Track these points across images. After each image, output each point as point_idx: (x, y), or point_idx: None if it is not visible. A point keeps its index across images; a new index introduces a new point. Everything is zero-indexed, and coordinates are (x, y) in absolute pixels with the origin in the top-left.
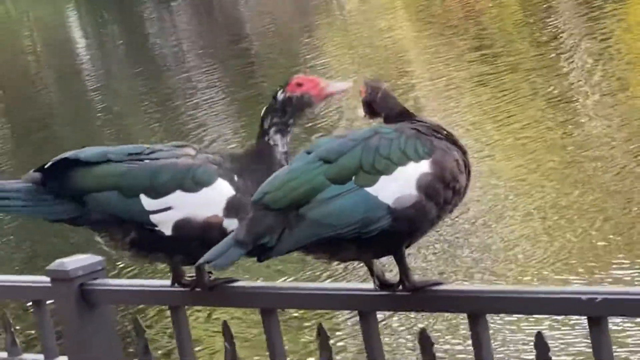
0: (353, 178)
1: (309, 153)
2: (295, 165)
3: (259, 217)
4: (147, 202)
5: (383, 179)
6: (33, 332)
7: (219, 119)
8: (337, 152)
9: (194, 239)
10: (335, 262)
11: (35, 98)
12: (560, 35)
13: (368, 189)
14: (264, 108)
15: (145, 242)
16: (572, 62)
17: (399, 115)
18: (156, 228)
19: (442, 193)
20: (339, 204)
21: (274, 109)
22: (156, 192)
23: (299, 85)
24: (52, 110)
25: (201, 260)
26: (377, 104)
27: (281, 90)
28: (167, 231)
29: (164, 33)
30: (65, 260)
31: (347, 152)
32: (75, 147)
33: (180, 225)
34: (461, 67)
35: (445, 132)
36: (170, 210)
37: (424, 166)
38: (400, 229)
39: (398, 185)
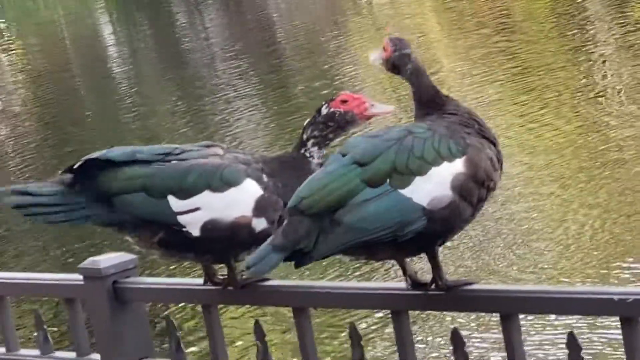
0: (388, 180)
1: (343, 155)
2: (330, 169)
3: (295, 222)
4: (175, 203)
5: (417, 180)
6: (60, 329)
7: (247, 118)
8: (372, 155)
9: (222, 239)
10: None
11: (63, 95)
12: (591, 27)
13: (402, 191)
14: (307, 120)
15: (173, 242)
16: (603, 55)
17: (431, 100)
18: (184, 229)
19: (477, 192)
20: (374, 207)
21: (316, 122)
22: (184, 193)
23: (344, 102)
24: (79, 107)
25: (242, 266)
26: (399, 60)
27: (326, 105)
28: (195, 232)
29: (193, 30)
30: (97, 258)
31: (381, 154)
32: (102, 145)
33: (208, 226)
34: (490, 62)
35: (477, 125)
36: (198, 211)
37: (458, 166)
38: (435, 230)
39: (432, 186)
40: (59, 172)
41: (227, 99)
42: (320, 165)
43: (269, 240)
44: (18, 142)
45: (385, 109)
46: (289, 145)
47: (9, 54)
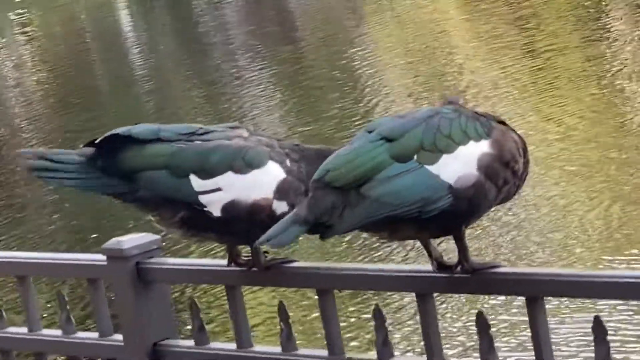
0: (415, 156)
1: (370, 132)
2: (357, 144)
3: (320, 195)
4: (197, 182)
5: (444, 157)
6: (78, 310)
7: (265, 104)
8: (400, 131)
9: (243, 220)
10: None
11: (82, 78)
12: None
13: (430, 168)
14: None
15: (194, 222)
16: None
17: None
18: (205, 209)
19: (502, 173)
20: (401, 182)
21: None
22: (206, 173)
23: None
24: (98, 92)
25: (260, 239)
26: None
27: None
28: (216, 212)
29: (212, 18)
30: (121, 238)
31: (409, 131)
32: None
33: (229, 207)
34: (513, 55)
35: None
36: (220, 192)
37: (484, 146)
38: (461, 209)
39: (459, 165)
40: (81, 145)
41: (244, 85)
42: None
43: (290, 213)
44: (34, 126)
45: None
46: (306, 132)
47: (28, 38)
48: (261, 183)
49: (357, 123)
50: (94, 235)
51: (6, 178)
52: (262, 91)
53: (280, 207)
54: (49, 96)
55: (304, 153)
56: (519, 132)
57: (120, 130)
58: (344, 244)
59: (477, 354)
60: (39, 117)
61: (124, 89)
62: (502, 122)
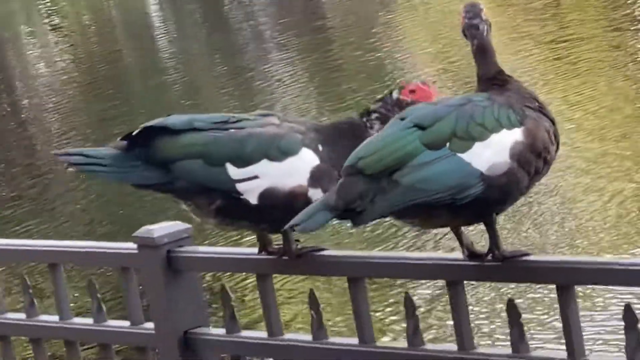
0: (447, 144)
1: (402, 119)
2: (389, 131)
3: (351, 181)
4: (233, 170)
5: (477, 145)
6: (108, 298)
7: (294, 92)
8: (432, 118)
9: (279, 207)
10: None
11: (111, 70)
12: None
13: (462, 155)
14: (380, 96)
15: (230, 210)
16: None
17: (493, 78)
18: (242, 197)
19: (534, 162)
20: (433, 169)
21: (385, 101)
22: (242, 161)
23: (412, 92)
24: (127, 83)
25: (289, 224)
26: (467, 31)
27: (397, 91)
28: (253, 200)
29: (241, 8)
30: (151, 227)
31: (442, 118)
32: (149, 119)
33: (266, 194)
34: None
35: (537, 103)
36: (256, 179)
37: (516, 134)
38: (492, 197)
39: (491, 153)
40: (118, 139)
41: (272, 73)
42: None
43: (320, 198)
44: (64, 118)
45: None
46: (337, 115)
47: (57, 30)
48: (296, 170)
49: None
50: (120, 225)
51: (35, 168)
52: (290, 79)
53: (315, 193)
54: (75, 84)
55: (325, 132)
56: (550, 114)
57: (154, 122)
58: (376, 232)
59: (504, 342)
60: (66, 106)
61: (151, 77)
62: (541, 105)
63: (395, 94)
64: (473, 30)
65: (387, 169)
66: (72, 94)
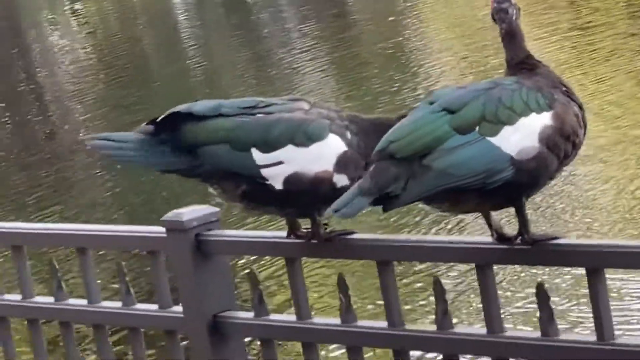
0: (477, 128)
1: (431, 103)
2: (418, 115)
3: (383, 166)
4: (258, 156)
5: (506, 129)
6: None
7: (314, 78)
8: (461, 102)
9: (304, 193)
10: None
11: (131, 56)
12: None
13: (491, 139)
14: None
15: (256, 195)
16: None
17: (522, 62)
18: (267, 182)
19: (563, 146)
20: (463, 154)
21: None
22: (268, 146)
23: None
24: (148, 69)
25: (327, 211)
26: (496, 15)
27: None
28: (278, 185)
29: None
30: (180, 210)
31: (471, 102)
32: (171, 106)
33: (291, 180)
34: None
35: (564, 87)
36: (281, 165)
37: (545, 118)
38: (522, 181)
39: (521, 137)
40: (144, 124)
41: (293, 60)
42: None
43: (356, 184)
44: (85, 104)
45: None
46: (354, 107)
47: (78, 17)
48: (322, 156)
49: (404, 97)
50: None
51: (56, 154)
52: (310, 65)
53: (340, 180)
54: (96, 71)
55: (361, 124)
56: (578, 99)
57: (180, 107)
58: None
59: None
60: (87, 92)
61: (172, 63)
62: (568, 90)
63: None
64: (502, 14)
65: (418, 153)
66: (93, 80)
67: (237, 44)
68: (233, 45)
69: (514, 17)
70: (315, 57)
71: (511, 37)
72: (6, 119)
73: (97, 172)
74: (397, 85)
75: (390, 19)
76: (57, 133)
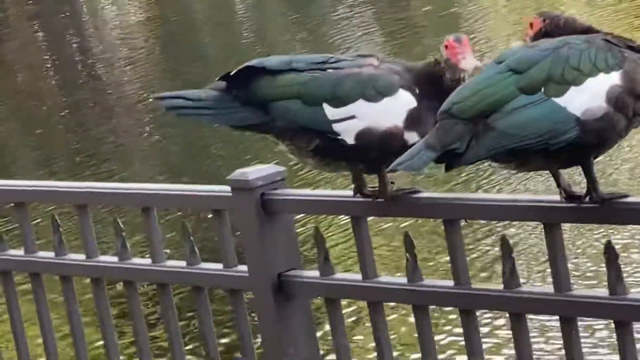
0: (542, 88)
1: (498, 63)
2: (485, 75)
3: (447, 125)
4: (330, 111)
5: (572, 89)
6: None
7: (362, 43)
8: (528, 63)
9: (375, 148)
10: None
11: (182, 20)
12: None
13: (557, 100)
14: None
15: (328, 150)
16: None
17: (585, 32)
18: (339, 137)
19: (632, 106)
20: (528, 114)
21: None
22: (339, 101)
23: (446, 47)
24: (199, 32)
25: (392, 165)
26: (561, 29)
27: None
28: (350, 140)
29: None
30: (246, 170)
31: (537, 63)
32: (222, 67)
33: (362, 135)
34: None
35: (637, 45)
36: (353, 120)
37: (614, 78)
38: (588, 141)
39: (587, 97)
40: (216, 79)
41: (343, 23)
42: (452, 81)
43: (422, 139)
44: (136, 68)
45: (472, 64)
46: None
47: None
48: (392, 111)
49: None
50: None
51: (109, 118)
52: (359, 30)
53: (411, 135)
54: (147, 35)
55: (415, 74)
56: None
57: (253, 62)
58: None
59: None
60: (139, 57)
61: (223, 27)
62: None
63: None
64: (555, 16)
65: (482, 113)
66: (146, 45)
67: (286, 5)
68: (282, 6)
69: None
70: (365, 21)
71: (570, 20)
72: (56, 77)
73: (155, 135)
74: None
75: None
76: (110, 95)
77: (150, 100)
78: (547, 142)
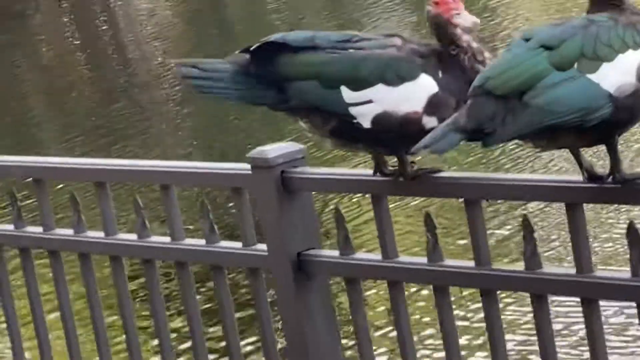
0: (575, 65)
1: (526, 40)
2: (516, 52)
3: (480, 102)
4: (347, 94)
5: (605, 66)
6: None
7: (391, 24)
8: (559, 39)
9: (392, 132)
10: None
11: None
12: None
13: (591, 76)
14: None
15: (344, 132)
16: None
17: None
18: (355, 120)
19: None
20: (563, 90)
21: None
22: (357, 85)
23: (436, 3)
24: (226, 9)
25: (417, 146)
26: None
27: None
28: (366, 124)
29: None
30: (266, 148)
31: (569, 39)
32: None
33: (379, 119)
34: None
35: None
36: (370, 104)
37: None
38: (620, 118)
39: (619, 73)
40: (236, 52)
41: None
42: (475, 59)
43: (448, 120)
44: (164, 44)
45: (468, 20)
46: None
47: None
48: (412, 96)
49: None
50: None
51: (133, 94)
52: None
53: (430, 121)
54: (175, 11)
55: (439, 55)
56: None
57: (274, 37)
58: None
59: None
60: (166, 33)
61: (251, 3)
62: None
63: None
64: None
65: (516, 90)
66: (173, 21)
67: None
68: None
69: None
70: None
71: None
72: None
73: (177, 116)
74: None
75: None
76: (136, 72)
77: (172, 65)
78: (582, 118)
